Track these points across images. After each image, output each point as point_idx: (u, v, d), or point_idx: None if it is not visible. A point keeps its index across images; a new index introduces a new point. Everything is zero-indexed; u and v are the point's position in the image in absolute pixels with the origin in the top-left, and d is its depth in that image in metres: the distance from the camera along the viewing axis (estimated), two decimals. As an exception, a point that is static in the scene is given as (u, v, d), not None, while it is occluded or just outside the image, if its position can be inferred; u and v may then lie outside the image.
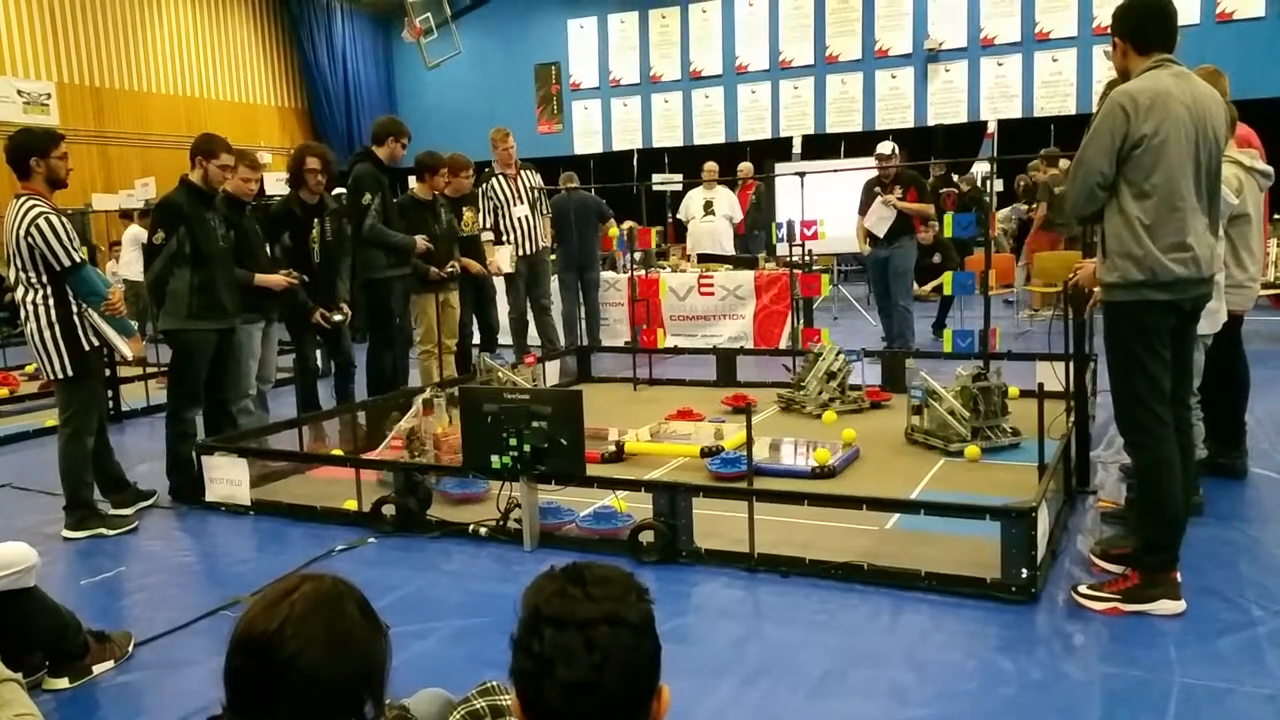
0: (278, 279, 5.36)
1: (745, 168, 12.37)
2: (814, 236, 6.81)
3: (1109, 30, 3.26)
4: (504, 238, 7.61)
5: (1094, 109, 4.03)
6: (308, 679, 1.31)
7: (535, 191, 7.85)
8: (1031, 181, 11.93)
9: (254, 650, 1.33)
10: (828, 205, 8.66)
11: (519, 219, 7.66)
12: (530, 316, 8.15)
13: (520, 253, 7.69)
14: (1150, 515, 3.20)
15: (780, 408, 6.41)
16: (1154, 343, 3.10)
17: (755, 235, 11.56)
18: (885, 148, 8.19)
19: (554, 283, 8.55)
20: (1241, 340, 4.48)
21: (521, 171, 7.78)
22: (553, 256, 8.42)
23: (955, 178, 12.77)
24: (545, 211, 8.14)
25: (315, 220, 5.71)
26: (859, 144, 14.86)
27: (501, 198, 7.62)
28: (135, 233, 11.56)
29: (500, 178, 7.66)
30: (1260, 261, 4.28)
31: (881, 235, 8.04)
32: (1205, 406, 4.21)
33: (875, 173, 8.15)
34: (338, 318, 5.78)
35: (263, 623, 1.34)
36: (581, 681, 1.25)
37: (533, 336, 8.23)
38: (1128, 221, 3.04)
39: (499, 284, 7.77)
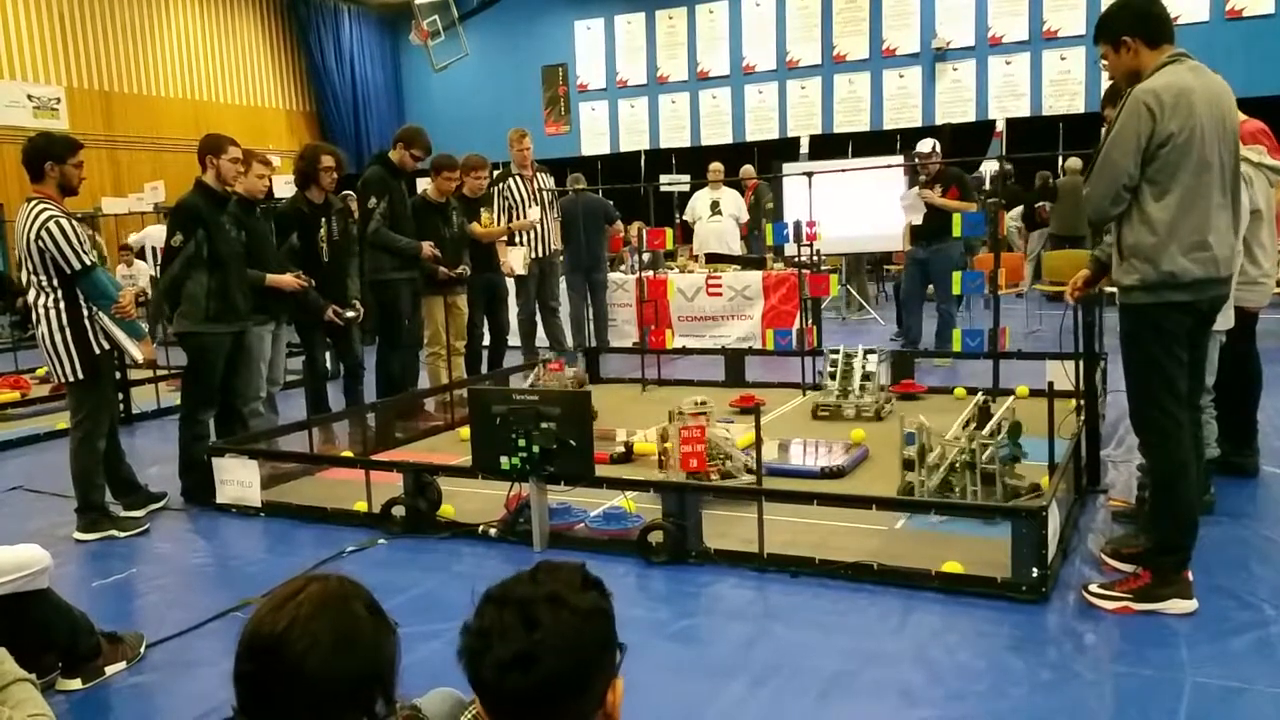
0: (289, 280, 5.38)
1: (747, 170, 12.38)
2: (813, 238, 6.81)
3: (1102, 38, 3.16)
4: (517, 239, 7.61)
5: (1100, 108, 4.02)
6: (318, 679, 1.33)
7: (547, 193, 7.86)
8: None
9: (263, 653, 1.34)
10: (835, 206, 8.64)
11: (532, 222, 7.67)
12: (539, 318, 8.16)
13: (532, 255, 7.69)
14: (1164, 517, 3.18)
15: (813, 415, 6.11)
16: (1171, 345, 3.07)
17: (755, 236, 11.56)
18: (925, 145, 8.09)
19: (561, 284, 8.56)
20: (1255, 338, 4.46)
21: (536, 174, 7.78)
22: (560, 258, 8.42)
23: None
24: (556, 214, 8.14)
25: (323, 220, 5.73)
26: (867, 144, 14.85)
27: (516, 199, 7.63)
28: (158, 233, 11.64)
29: (516, 179, 7.67)
30: (1273, 258, 4.26)
31: (908, 221, 7.99)
32: (1218, 404, 4.18)
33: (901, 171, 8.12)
34: (350, 314, 5.80)
35: (270, 625, 1.35)
36: (514, 657, 1.27)
37: (540, 338, 8.24)
38: (1147, 222, 3.00)
39: (511, 285, 7.77)
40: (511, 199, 7.64)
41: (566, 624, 1.30)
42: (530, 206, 7.65)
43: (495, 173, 7.82)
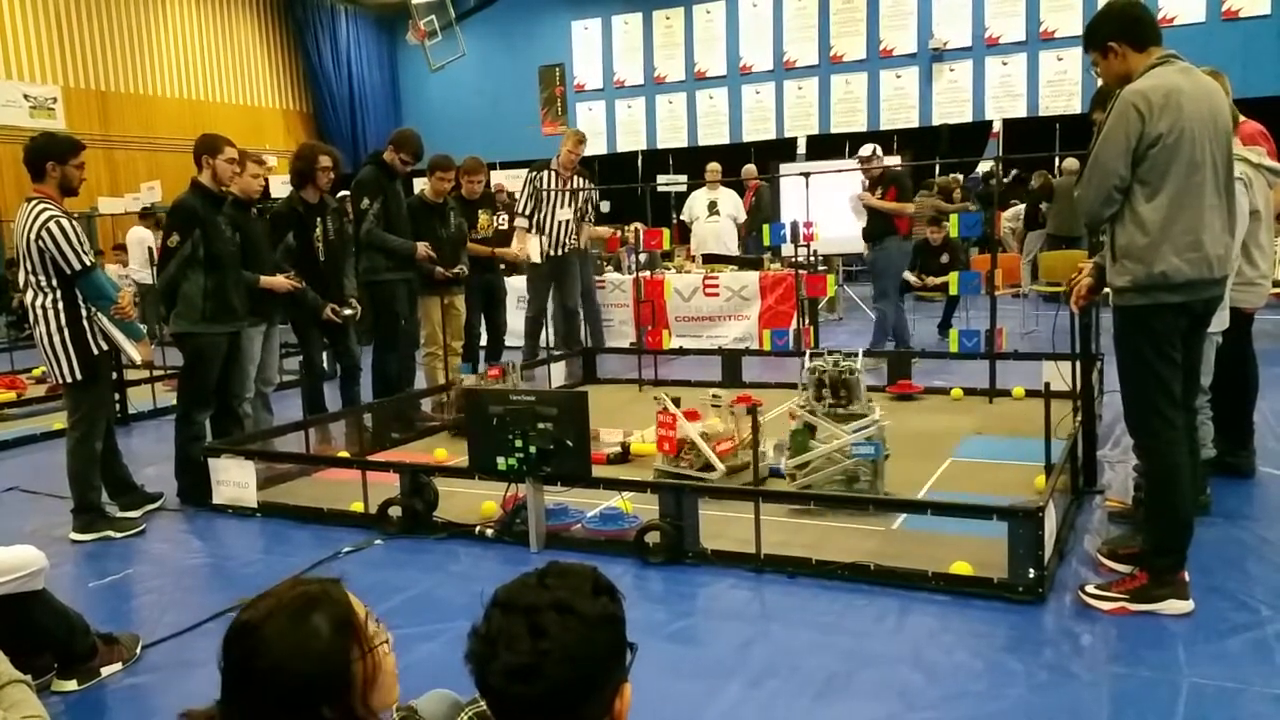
0: (282, 281, 5.38)
1: (749, 169, 12.39)
2: (810, 238, 6.82)
3: (1090, 46, 3.17)
4: (536, 231, 7.56)
5: (1089, 112, 4.02)
6: (264, 677, 1.38)
7: (581, 195, 7.78)
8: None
9: (227, 645, 1.43)
10: (831, 206, 8.66)
11: (561, 222, 7.64)
12: (563, 317, 8.09)
13: (551, 252, 7.63)
14: (1160, 519, 3.18)
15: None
16: (1165, 346, 3.06)
17: (754, 236, 11.55)
18: (866, 150, 8.29)
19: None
20: (1251, 338, 4.47)
21: (576, 177, 7.73)
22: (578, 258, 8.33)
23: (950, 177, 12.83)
24: (590, 219, 8.09)
25: (318, 219, 5.73)
26: (864, 144, 14.86)
27: (544, 193, 7.58)
28: (141, 235, 11.63)
29: (552, 173, 7.63)
30: (1271, 259, 4.27)
31: (860, 223, 8.19)
32: (1214, 405, 4.19)
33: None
34: (348, 312, 5.80)
35: (240, 618, 1.44)
36: (521, 666, 1.26)
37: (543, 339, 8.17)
38: (1139, 223, 3.00)
39: (510, 285, 7.72)
40: (539, 192, 7.59)
41: (574, 633, 1.28)
42: (561, 208, 7.61)
43: (533, 162, 7.83)
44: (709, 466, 4.62)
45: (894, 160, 11.05)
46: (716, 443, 4.70)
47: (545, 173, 7.63)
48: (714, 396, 5.02)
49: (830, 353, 6.10)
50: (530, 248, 7.43)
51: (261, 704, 1.39)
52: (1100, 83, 3.53)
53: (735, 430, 4.78)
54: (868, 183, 8.13)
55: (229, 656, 1.42)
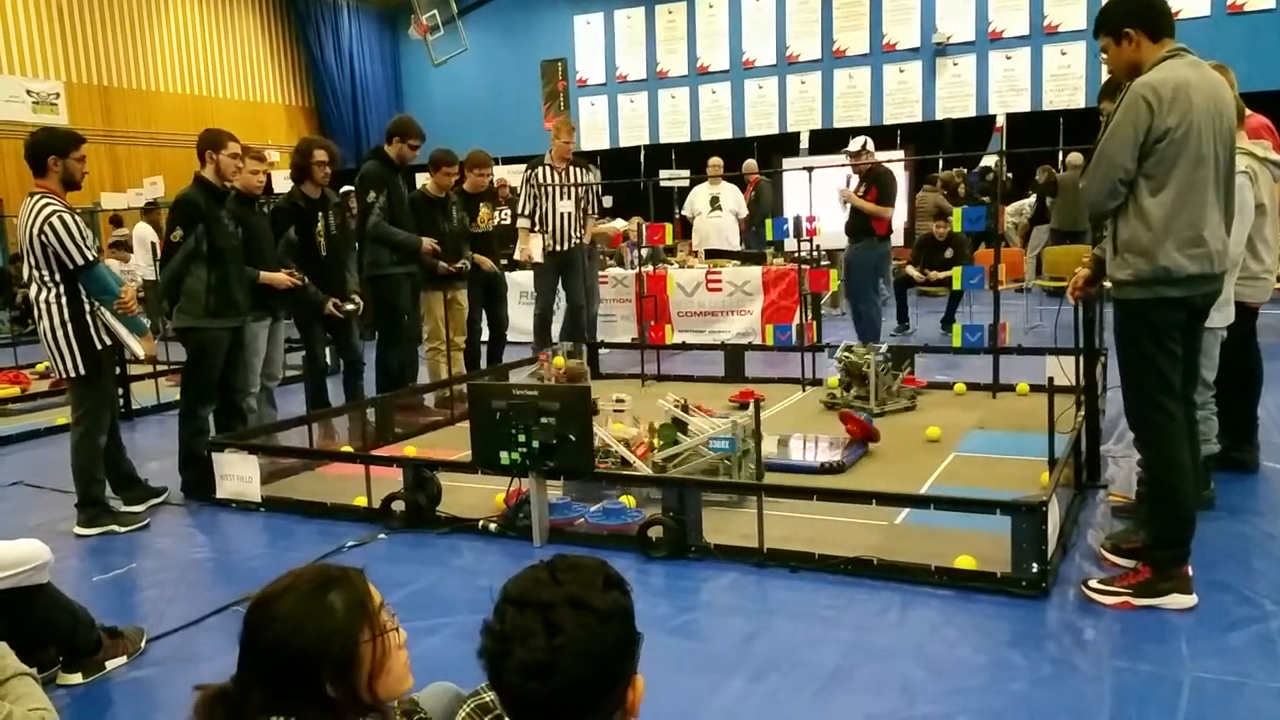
0: (281, 278, 5.37)
1: (750, 164, 12.38)
2: (812, 233, 6.81)
3: (1104, 30, 3.14)
4: (539, 228, 7.50)
5: (1098, 102, 4.01)
6: (274, 646, 1.43)
7: (583, 188, 7.69)
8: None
9: (246, 617, 1.48)
10: (834, 201, 8.65)
11: (562, 214, 7.56)
12: (569, 312, 8.05)
13: (557, 247, 7.59)
14: (1161, 512, 3.18)
15: (826, 405, 6.20)
16: (1164, 340, 3.06)
17: (753, 231, 11.52)
18: (854, 144, 8.20)
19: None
20: (1256, 333, 4.46)
21: (572, 168, 7.62)
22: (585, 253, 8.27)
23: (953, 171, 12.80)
24: (594, 212, 8.00)
25: (319, 214, 5.73)
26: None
27: (543, 189, 7.54)
28: (143, 231, 11.64)
29: (548, 169, 7.55)
30: (1275, 253, 4.25)
31: (843, 216, 8.20)
32: (1218, 400, 4.18)
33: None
34: (349, 307, 5.80)
35: (261, 593, 1.50)
36: (537, 663, 1.26)
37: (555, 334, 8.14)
38: (1143, 217, 2.99)
39: (511, 280, 7.68)
40: (538, 188, 7.53)
41: (587, 629, 1.28)
42: (561, 200, 7.55)
43: (530, 158, 7.78)
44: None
45: (892, 155, 11.04)
46: (633, 448, 4.53)
47: (541, 168, 7.57)
48: (617, 401, 4.79)
49: (864, 346, 6.21)
50: (533, 247, 7.39)
51: (270, 674, 1.42)
52: (1106, 72, 3.51)
53: (643, 435, 4.60)
54: (855, 177, 8.07)
55: (247, 627, 1.46)
